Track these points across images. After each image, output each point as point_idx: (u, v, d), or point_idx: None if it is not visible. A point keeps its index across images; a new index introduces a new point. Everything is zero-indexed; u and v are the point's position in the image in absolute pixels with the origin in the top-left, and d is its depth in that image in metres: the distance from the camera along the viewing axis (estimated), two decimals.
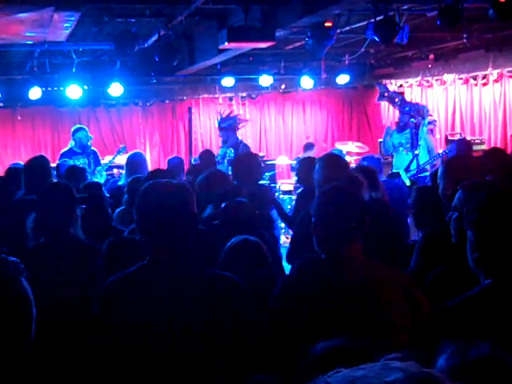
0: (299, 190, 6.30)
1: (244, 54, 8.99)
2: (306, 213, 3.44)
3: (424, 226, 3.78)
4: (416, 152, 8.23)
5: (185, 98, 12.39)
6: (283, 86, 12.54)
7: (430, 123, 9.23)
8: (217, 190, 4.45)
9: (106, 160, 9.34)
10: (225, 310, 2.32)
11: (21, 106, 11.14)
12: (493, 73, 10.34)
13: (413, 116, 8.62)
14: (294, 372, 1.97)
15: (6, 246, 3.17)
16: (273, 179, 9.87)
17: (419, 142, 8.42)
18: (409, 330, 2.37)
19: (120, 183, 6.73)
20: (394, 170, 8.65)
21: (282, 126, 13.12)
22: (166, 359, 2.27)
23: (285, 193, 9.69)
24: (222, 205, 3.98)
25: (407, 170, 8.31)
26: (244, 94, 12.64)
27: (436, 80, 11.49)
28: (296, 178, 6.79)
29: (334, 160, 4.54)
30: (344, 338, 1.13)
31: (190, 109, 11.83)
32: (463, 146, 7.41)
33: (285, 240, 8.20)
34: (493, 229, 1.97)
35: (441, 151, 8.56)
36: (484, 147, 9.83)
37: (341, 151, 9.87)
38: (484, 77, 10.55)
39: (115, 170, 10.07)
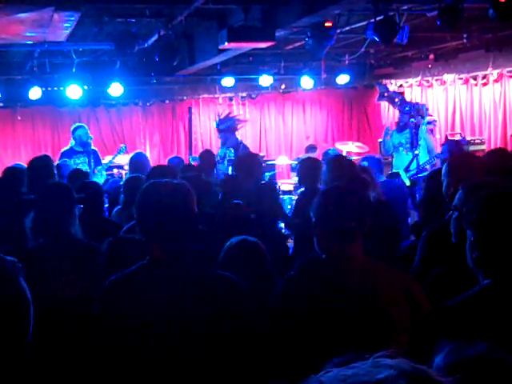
0: (300, 190, 6.30)
1: (244, 54, 8.99)
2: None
3: (429, 219, 3.79)
4: (416, 152, 8.23)
5: (185, 97, 12.38)
6: (283, 86, 12.54)
7: (429, 123, 9.23)
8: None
9: (106, 160, 9.34)
10: (224, 310, 2.32)
11: (21, 106, 11.13)
12: (493, 73, 10.34)
13: (413, 116, 8.62)
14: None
15: (6, 246, 3.17)
16: (273, 179, 9.87)
17: (419, 142, 8.42)
18: (409, 330, 2.38)
19: (122, 183, 6.73)
20: (393, 170, 8.65)
21: (281, 126, 13.12)
22: (166, 359, 2.28)
23: (285, 193, 9.68)
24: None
25: (407, 169, 8.31)
26: (244, 94, 12.64)
27: (436, 80, 11.49)
28: (297, 178, 6.79)
29: (341, 161, 4.58)
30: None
31: (190, 109, 11.84)
32: (454, 146, 7.40)
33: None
34: (492, 229, 1.98)
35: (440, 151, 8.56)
36: (484, 147, 9.83)
37: (335, 150, 9.87)
38: (484, 77, 10.55)
39: (115, 170, 10.07)
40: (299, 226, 4.61)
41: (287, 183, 10.16)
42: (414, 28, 7.64)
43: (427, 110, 9.28)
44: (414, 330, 2.24)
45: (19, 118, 11.35)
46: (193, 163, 9.07)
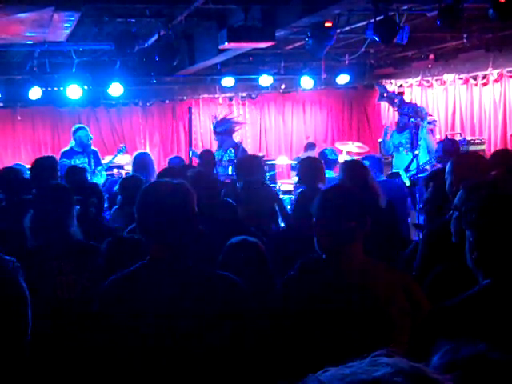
0: (299, 190, 6.30)
1: (244, 54, 8.99)
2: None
3: (435, 215, 3.80)
4: (416, 152, 8.24)
5: (185, 97, 12.38)
6: (283, 86, 12.53)
7: (429, 123, 9.23)
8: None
9: (106, 160, 9.35)
10: (224, 310, 2.32)
11: (21, 106, 11.13)
12: (493, 73, 10.34)
13: (412, 117, 8.63)
14: None
15: (5, 246, 3.17)
16: (273, 179, 9.87)
17: (419, 142, 8.43)
18: (409, 330, 2.38)
19: (118, 183, 6.74)
20: (393, 170, 8.66)
21: (281, 126, 13.12)
22: (166, 359, 2.28)
23: (285, 193, 9.68)
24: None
25: (407, 169, 8.31)
26: (244, 94, 12.64)
27: (436, 80, 11.49)
28: (297, 178, 6.78)
29: (356, 166, 4.61)
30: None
31: (190, 109, 11.82)
32: (450, 145, 7.39)
33: None
34: (492, 229, 1.98)
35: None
36: (484, 147, 9.84)
37: (333, 150, 9.88)
38: (484, 77, 10.55)
39: (115, 170, 10.08)
40: (299, 226, 4.61)
41: (287, 183, 10.16)
42: (414, 28, 7.64)
43: (427, 113, 9.27)
44: (413, 330, 2.24)
45: (19, 118, 11.35)
46: (192, 158, 9.07)
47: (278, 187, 9.69)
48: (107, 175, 9.01)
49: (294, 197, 8.30)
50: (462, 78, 10.96)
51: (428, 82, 11.66)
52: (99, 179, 8.32)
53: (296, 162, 9.21)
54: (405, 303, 2.48)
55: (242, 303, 2.38)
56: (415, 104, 9.89)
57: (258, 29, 6.53)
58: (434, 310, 2.18)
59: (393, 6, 6.49)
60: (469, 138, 10.12)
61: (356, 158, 10.17)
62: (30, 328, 1.41)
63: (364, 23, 7.05)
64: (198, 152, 9.39)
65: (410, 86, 12.09)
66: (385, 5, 6.24)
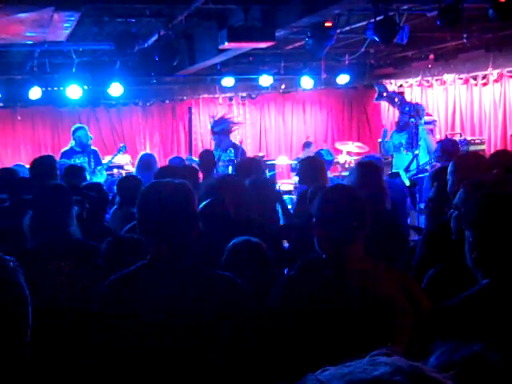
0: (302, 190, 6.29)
1: (244, 54, 9.00)
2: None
3: (437, 214, 3.80)
4: (416, 152, 8.23)
5: (185, 97, 12.38)
6: (283, 86, 12.54)
7: (430, 123, 9.24)
8: None
9: (105, 160, 9.35)
10: (224, 310, 2.32)
11: (21, 106, 11.13)
12: (493, 73, 10.34)
13: (412, 116, 8.62)
14: None
15: (5, 246, 3.17)
16: (273, 179, 9.87)
17: (419, 142, 8.42)
18: (409, 330, 2.38)
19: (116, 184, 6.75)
20: (393, 170, 8.65)
21: (281, 126, 13.12)
22: (166, 359, 2.28)
23: (285, 193, 9.68)
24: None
25: (407, 169, 8.31)
26: (244, 94, 12.64)
27: (436, 80, 11.49)
28: (297, 178, 6.79)
29: (369, 167, 4.59)
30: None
31: (190, 109, 11.84)
32: (449, 145, 7.39)
33: None
34: (491, 229, 1.98)
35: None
36: (484, 147, 9.84)
37: (329, 150, 9.89)
38: (484, 77, 10.55)
39: (115, 170, 10.09)
40: (299, 226, 4.62)
41: (287, 183, 10.17)
42: (414, 28, 7.64)
43: (424, 110, 9.27)
44: (413, 330, 2.24)
45: (19, 118, 11.35)
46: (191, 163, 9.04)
47: (278, 187, 9.70)
48: (107, 175, 9.02)
49: (293, 196, 8.31)
50: (462, 78, 10.96)
51: (428, 81, 11.66)
52: (99, 178, 8.32)
53: (296, 162, 9.21)
54: (405, 303, 2.48)
55: (242, 303, 2.38)
56: (416, 103, 9.89)
57: (258, 29, 6.53)
58: (433, 309, 2.18)
59: (393, 6, 6.49)
60: (469, 138, 10.12)
61: (356, 157, 10.20)
62: (30, 328, 1.41)
63: (364, 23, 7.06)
64: (194, 157, 9.39)
65: (410, 85, 12.09)
66: (385, 5, 6.24)
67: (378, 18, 6.29)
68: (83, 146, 8.55)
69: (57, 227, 3.41)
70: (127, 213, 4.90)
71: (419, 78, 11.78)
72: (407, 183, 7.96)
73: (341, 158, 10.33)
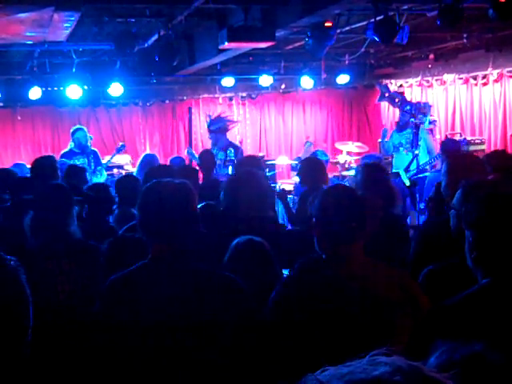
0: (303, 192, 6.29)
1: (244, 54, 8.99)
2: None
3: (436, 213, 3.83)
4: (416, 152, 8.24)
5: (185, 97, 12.38)
6: (283, 86, 12.54)
7: (430, 123, 9.23)
8: None
9: (105, 160, 9.35)
10: (224, 310, 2.32)
11: (21, 106, 11.13)
12: (493, 73, 10.34)
13: (413, 115, 8.63)
14: None
15: (6, 246, 3.17)
16: (273, 179, 9.87)
17: (419, 143, 8.42)
18: (409, 330, 2.38)
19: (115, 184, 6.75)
20: (393, 170, 8.65)
21: (282, 126, 13.12)
22: (166, 358, 2.28)
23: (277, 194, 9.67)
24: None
25: (407, 170, 8.31)
26: (244, 94, 12.64)
27: (436, 80, 11.49)
28: (297, 178, 6.78)
29: (375, 169, 4.59)
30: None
31: (190, 109, 11.83)
32: (451, 145, 7.40)
33: None
34: (491, 229, 1.98)
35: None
36: (484, 147, 9.84)
37: (323, 151, 9.90)
38: (484, 77, 10.55)
39: (115, 170, 10.09)
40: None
41: (287, 183, 10.17)
42: (414, 28, 7.64)
43: (430, 107, 9.27)
44: (413, 329, 2.24)
45: (19, 118, 11.35)
46: (187, 158, 9.04)
47: (278, 187, 9.70)
48: (107, 175, 9.02)
49: (292, 196, 8.31)
50: (462, 78, 10.96)
51: (428, 81, 11.66)
52: (99, 179, 8.33)
53: (296, 162, 9.22)
54: (405, 303, 2.48)
55: (242, 303, 2.38)
56: (418, 102, 9.89)
57: (258, 29, 6.53)
58: (433, 309, 2.18)
59: (393, 6, 6.49)
60: (469, 137, 10.12)
61: (355, 157, 10.21)
62: (31, 328, 1.41)
63: (364, 23, 7.06)
64: (193, 151, 9.40)
65: (410, 86, 12.09)
66: (385, 5, 6.24)
67: (378, 18, 6.28)
68: (82, 148, 8.57)
69: (57, 227, 3.42)
70: (125, 212, 4.90)
71: (419, 78, 11.78)
72: (407, 183, 7.96)
73: (341, 158, 10.34)
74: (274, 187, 9.20)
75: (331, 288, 2.47)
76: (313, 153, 9.60)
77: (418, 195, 7.54)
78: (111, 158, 9.40)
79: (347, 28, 7.45)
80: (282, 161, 11.20)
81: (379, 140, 10.78)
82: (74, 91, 9.83)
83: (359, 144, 11.05)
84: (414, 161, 8.18)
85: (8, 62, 9.50)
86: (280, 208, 6.71)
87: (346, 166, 10.23)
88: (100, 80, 10.01)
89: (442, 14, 6.18)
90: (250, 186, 4.02)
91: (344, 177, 9.91)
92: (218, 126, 8.95)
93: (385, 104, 12.56)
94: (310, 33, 6.64)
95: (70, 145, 8.80)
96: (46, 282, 3.24)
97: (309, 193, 5.36)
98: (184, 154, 10.67)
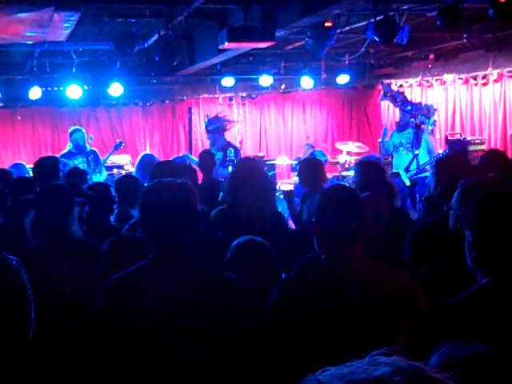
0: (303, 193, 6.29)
1: (244, 54, 8.99)
2: None
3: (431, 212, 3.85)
4: (416, 152, 8.23)
5: (185, 97, 12.38)
6: (283, 86, 12.54)
7: (432, 123, 9.22)
8: None
9: (106, 161, 9.36)
10: (225, 310, 2.32)
11: (21, 106, 11.13)
12: (493, 73, 10.34)
13: (414, 116, 8.62)
14: None
15: (7, 246, 3.18)
16: (273, 179, 9.87)
17: (420, 142, 8.41)
18: (409, 330, 2.37)
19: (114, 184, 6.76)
20: (393, 170, 8.65)
21: (282, 126, 13.12)
22: (166, 358, 2.28)
23: (283, 192, 9.68)
24: None
25: (407, 170, 8.31)
26: (244, 94, 12.64)
27: (436, 80, 11.49)
28: (297, 178, 6.78)
29: (372, 167, 4.59)
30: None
31: (190, 109, 11.83)
32: (457, 144, 7.41)
33: None
34: (491, 229, 1.98)
35: (441, 151, 8.56)
36: (484, 147, 9.83)
37: (322, 151, 9.89)
38: (484, 77, 10.55)
39: (115, 170, 10.09)
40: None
41: (287, 183, 10.17)
42: (414, 28, 7.64)
43: (435, 110, 9.25)
44: (413, 329, 2.24)
45: (19, 118, 11.35)
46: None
47: (278, 187, 9.70)
48: (107, 175, 9.03)
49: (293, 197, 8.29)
50: (462, 78, 10.96)
51: (428, 81, 11.67)
52: (99, 177, 8.35)
53: (296, 163, 9.22)
54: (405, 303, 2.48)
55: (243, 303, 2.38)
56: (419, 102, 9.88)
57: (258, 29, 6.52)
58: (433, 308, 2.18)
59: (393, 6, 6.49)
60: (469, 137, 10.12)
61: (355, 157, 10.20)
62: (33, 327, 1.42)
63: (364, 23, 7.05)
64: (192, 156, 9.38)
65: (410, 85, 12.09)
66: (385, 5, 6.24)
67: (378, 18, 6.28)
68: (80, 148, 8.60)
69: (58, 227, 3.42)
70: (125, 212, 4.90)
71: (419, 78, 11.78)
72: (407, 183, 7.96)
73: (341, 158, 10.34)
74: (275, 186, 9.19)
75: (331, 288, 2.47)
76: (311, 153, 9.60)
77: (418, 195, 7.54)
78: (109, 154, 9.40)
79: (347, 28, 7.45)
80: (282, 161, 11.21)
81: (379, 140, 10.78)
82: (73, 91, 9.83)
83: (359, 144, 11.05)
84: (414, 161, 8.18)
85: (8, 62, 9.50)
86: (281, 208, 6.71)
87: (346, 166, 10.23)
88: (100, 80, 10.01)
89: (442, 14, 6.18)
90: (250, 185, 4.02)
91: (344, 177, 9.91)
92: (216, 126, 8.95)
93: (385, 104, 12.56)
94: (309, 33, 6.64)
95: (69, 146, 8.82)
96: (45, 281, 3.24)
97: (310, 193, 5.36)
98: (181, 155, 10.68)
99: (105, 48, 8.51)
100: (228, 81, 10.96)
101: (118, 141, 9.89)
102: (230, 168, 8.16)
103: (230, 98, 12.57)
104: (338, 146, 11.00)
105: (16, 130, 11.59)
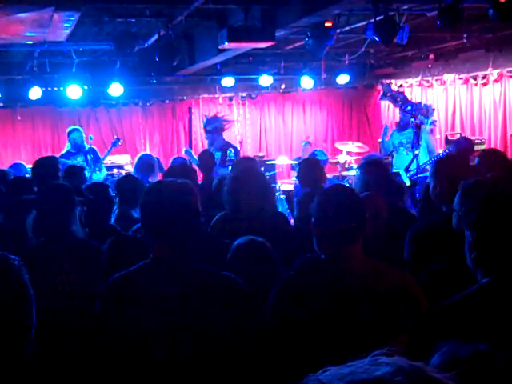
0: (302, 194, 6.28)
1: (244, 54, 8.99)
2: None
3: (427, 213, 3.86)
4: (416, 152, 8.23)
5: (185, 97, 12.38)
6: (283, 86, 12.54)
7: (430, 124, 9.22)
8: None
9: (105, 159, 9.36)
10: (225, 311, 2.32)
11: (21, 106, 11.13)
12: (493, 73, 10.34)
13: (414, 116, 8.61)
14: None
15: (8, 246, 3.18)
16: (273, 179, 9.87)
17: (420, 142, 8.41)
18: (409, 330, 2.37)
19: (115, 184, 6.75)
20: (393, 170, 8.64)
21: (282, 126, 13.12)
22: (166, 358, 2.28)
23: (285, 193, 9.69)
24: None
25: (407, 169, 8.30)
26: (244, 94, 12.64)
27: (436, 80, 11.49)
28: (298, 181, 6.77)
29: (376, 165, 4.58)
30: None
31: (190, 109, 11.83)
32: (464, 144, 7.40)
33: None
34: (491, 229, 1.98)
35: (441, 151, 8.56)
36: (484, 147, 9.83)
37: (322, 151, 9.88)
38: (484, 77, 10.55)
39: (115, 170, 10.09)
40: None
41: (287, 183, 10.17)
42: (414, 28, 7.64)
43: (433, 110, 9.25)
44: (413, 329, 2.24)
45: (19, 118, 11.35)
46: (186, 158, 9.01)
47: (278, 187, 9.71)
48: (107, 175, 9.03)
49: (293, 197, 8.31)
50: (462, 78, 10.96)
51: (428, 81, 11.67)
52: (99, 175, 8.36)
53: (296, 162, 9.22)
54: (405, 302, 2.48)
55: (243, 303, 2.38)
56: (419, 102, 9.88)
57: (258, 29, 6.52)
58: (433, 308, 2.18)
59: (393, 6, 6.49)
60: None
61: (355, 157, 10.21)
62: (34, 326, 1.42)
63: (364, 23, 7.06)
64: (192, 150, 9.39)
65: (410, 85, 12.09)
66: (385, 5, 6.24)
67: (378, 18, 6.28)
68: (78, 148, 8.61)
69: (58, 226, 3.42)
70: (126, 213, 4.90)
71: (419, 78, 11.79)
72: (407, 183, 7.96)
73: (341, 158, 10.34)
74: (274, 187, 9.20)
75: (331, 288, 2.47)
76: (312, 153, 9.60)
77: (418, 195, 7.54)
78: (108, 151, 9.40)
79: (347, 28, 7.45)
80: (282, 161, 11.21)
81: (379, 140, 10.78)
82: (73, 91, 9.83)
83: (359, 144, 11.05)
84: (414, 161, 8.17)
85: (8, 62, 9.50)
86: (281, 208, 6.71)
87: (346, 166, 10.23)
88: (100, 80, 10.01)
89: (442, 13, 6.18)
90: (250, 185, 4.03)
91: (344, 177, 9.91)
92: (215, 126, 8.96)
93: (385, 104, 12.55)
94: (309, 33, 6.64)
95: (67, 146, 8.83)
96: (45, 281, 3.24)
97: (311, 194, 5.35)
98: (182, 153, 10.68)
99: (105, 48, 8.51)
100: (228, 81, 10.96)
101: (115, 137, 9.88)
102: (231, 168, 8.17)
103: (230, 98, 12.57)
104: (338, 145, 11.00)
105: (16, 130, 11.59)
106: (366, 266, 2.54)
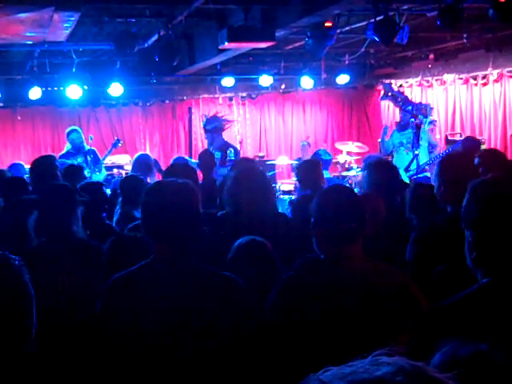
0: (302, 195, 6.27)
1: (244, 54, 9.00)
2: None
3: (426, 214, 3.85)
4: (416, 152, 8.23)
5: (185, 97, 12.38)
6: (283, 86, 12.54)
7: (430, 123, 9.23)
8: None
9: (105, 159, 9.36)
10: (225, 310, 2.32)
11: (21, 106, 11.13)
12: (493, 73, 10.34)
13: (414, 116, 8.62)
14: None
15: (9, 245, 3.18)
16: (273, 179, 9.87)
17: (420, 142, 8.42)
18: (409, 330, 2.37)
19: (118, 184, 6.75)
20: None
21: (282, 126, 13.12)
22: (166, 358, 2.28)
23: (285, 193, 9.69)
24: None
25: (407, 169, 8.30)
26: (244, 94, 12.64)
27: (436, 80, 11.49)
28: (298, 182, 6.77)
29: (382, 166, 4.56)
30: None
31: (189, 109, 11.83)
32: (470, 143, 7.40)
33: None
34: (491, 229, 1.98)
35: (442, 151, 8.57)
36: (484, 147, 9.83)
37: (326, 150, 9.88)
38: (484, 77, 10.55)
39: (115, 170, 10.09)
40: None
41: (287, 183, 10.16)
42: (414, 28, 7.64)
43: (432, 109, 9.25)
44: (412, 329, 2.24)
45: (19, 118, 11.35)
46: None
47: (278, 187, 9.70)
48: (107, 175, 9.03)
49: (293, 197, 8.30)
50: (462, 78, 10.96)
51: (428, 81, 11.67)
52: (99, 176, 8.36)
53: (296, 163, 9.22)
54: (405, 302, 2.48)
55: (243, 303, 2.38)
56: (419, 102, 9.88)
57: (258, 29, 6.53)
58: (432, 308, 2.18)
59: (393, 6, 6.49)
60: None
61: (355, 157, 10.20)
62: (34, 327, 1.42)
63: (364, 23, 7.06)
64: (193, 160, 9.38)
65: (410, 85, 12.09)
66: (385, 5, 6.24)
67: (378, 18, 6.29)
68: (77, 148, 8.61)
69: (59, 226, 3.42)
70: (128, 213, 4.90)
71: (419, 78, 11.79)
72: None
73: (341, 158, 10.33)
74: (274, 187, 9.19)
75: (331, 288, 2.47)
76: (315, 153, 9.59)
77: None
78: (108, 152, 9.41)
79: (347, 28, 7.45)
80: (282, 161, 11.20)
81: (379, 140, 10.78)
82: (73, 91, 9.83)
83: (359, 144, 11.04)
84: (414, 161, 8.17)
85: (8, 62, 9.50)
86: (281, 208, 6.70)
87: (346, 165, 10.23)
88: (100, 80, 10.01)
89: (442, 14, 6.18)
90: (250, 186, 4.02)
91: (344, 177, 9.91)
92: (214, 126, 8.97)
93: (385, 104, 12.56)
94: (309, 33, 6.64)
95: (67, 147, 8.84)
96: (46, 281, 3.24)
97: (312, 195, 5.34)
98: (184, 154, 10.68)
99: (105, 48, 8.51)
100: (228, 81, 10.96)
101: (115, 138, 9.89)
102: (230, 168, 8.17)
103: (230, 98, 12.57)
104: (338, 145, 10.99)
105: (16, 130, 11.59)
106: (366, 266, 2.54)
